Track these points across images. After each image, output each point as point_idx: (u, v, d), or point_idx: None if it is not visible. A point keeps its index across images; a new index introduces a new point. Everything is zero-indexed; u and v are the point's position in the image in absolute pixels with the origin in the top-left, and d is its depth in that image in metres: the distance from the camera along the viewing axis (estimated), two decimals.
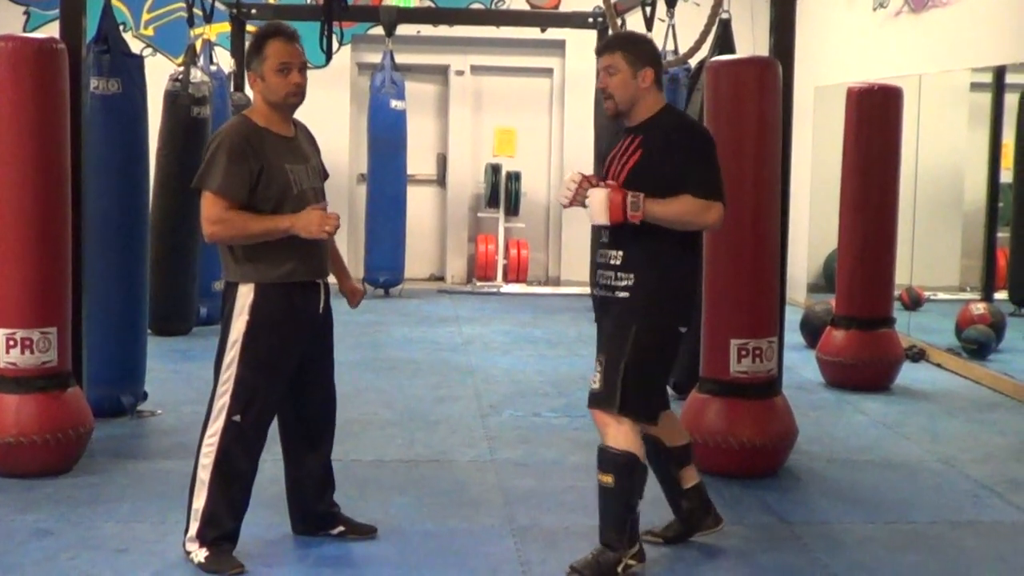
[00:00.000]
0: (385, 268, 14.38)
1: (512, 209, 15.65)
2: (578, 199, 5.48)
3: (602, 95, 5.60)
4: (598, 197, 5.36)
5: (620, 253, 5.46)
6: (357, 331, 11.89)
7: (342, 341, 10.88)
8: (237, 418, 5.41)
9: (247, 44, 5.73)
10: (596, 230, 5.62)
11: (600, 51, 5.68)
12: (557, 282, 15.99)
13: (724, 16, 8.35)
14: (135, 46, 14.55)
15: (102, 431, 7.51)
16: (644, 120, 5.52)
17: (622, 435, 5.38)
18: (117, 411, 8.08)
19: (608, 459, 5.39)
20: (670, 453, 5.79)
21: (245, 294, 5.43)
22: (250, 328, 5.41)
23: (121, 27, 14.66)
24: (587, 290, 13.66)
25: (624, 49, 5.54)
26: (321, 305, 5.62)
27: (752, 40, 11.09)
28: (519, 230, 15.79)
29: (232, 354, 5.42)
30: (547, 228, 16.29)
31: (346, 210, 15.36)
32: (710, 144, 5.54)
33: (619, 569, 5.40)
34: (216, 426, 5.43)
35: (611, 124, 12.78)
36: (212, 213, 5.35)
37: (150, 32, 15.17)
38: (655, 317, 5.40)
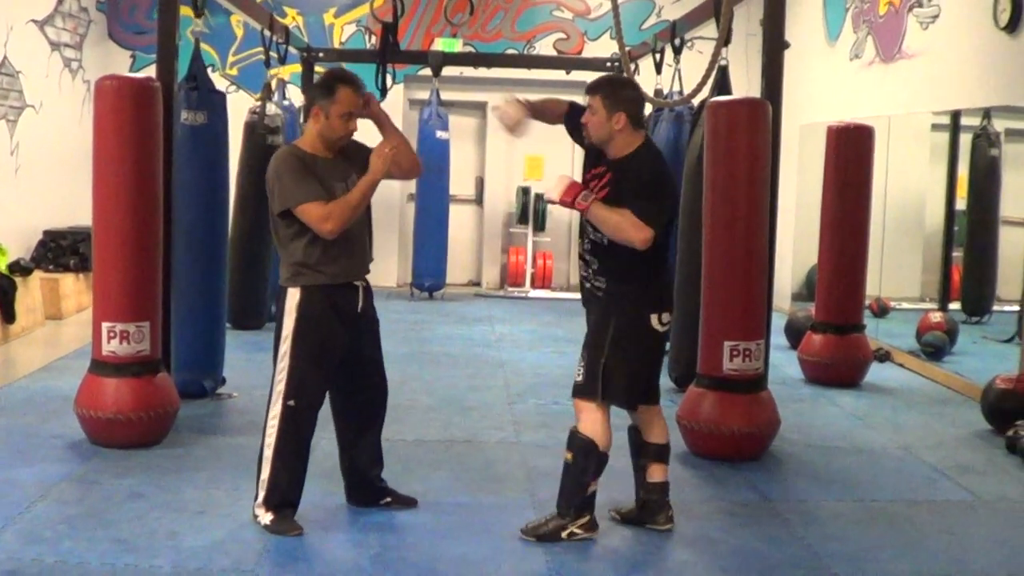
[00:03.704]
0: (429, 275, 14.36)
1: (539, 225, 15.63)
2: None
3: (583, 129, 5.54)
4: (562, 180, 5.37)
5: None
6: (405, 328, 11.91)
7: (392, 337, 10.99)
8: (292, 403, 5.42)
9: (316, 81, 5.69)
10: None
11: (586, 91, 5.58)
12: (578, 288, 15.88)
13: (722, 63, 8.29)
14: (221, 84, 14.69)
15: (187, 410, 7.52)
16: (618, 158, 5.45)
17: (589, 423, 5.43)
18: (200, 393, 8.11)
19: (571, 439, 5.48)
20: (643, 446, 5.73)
21: (292, 296, 5.43)
22: (298, 325, 5.41)
23: (209, 68, 14.77)
24: None
25: (604, 93, 5.44)
26: (360, 304, 5.56)
27: (747, 83, 11.11)
28: (545, 243, 15.76)
29: (285, 347, 5.42)
30: (569, 241, 16.21)
31: (397, 225, 15.49)
32: (663, 181, 5.48)
33: (563, 535, 5.45)
34: (275, 410, 5.45)
35: None
36: (316, 215, 5.30)
37: (234, 72, 15.19)
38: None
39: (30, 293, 11.04)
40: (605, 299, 5.47)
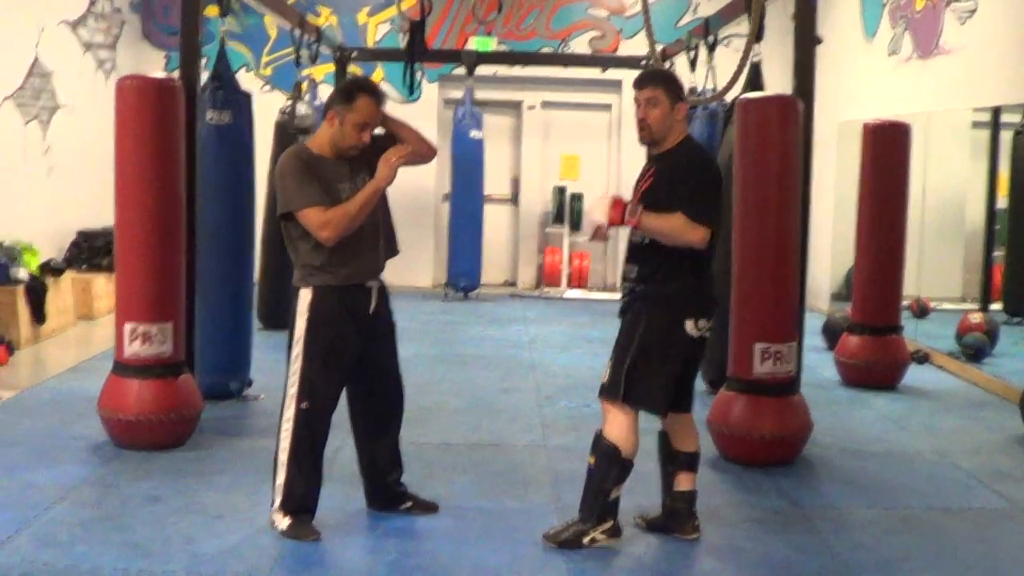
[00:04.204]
0: (464, 275, 14.28)
1: (575, 225, 15.50)
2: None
3: (639, 124, 5.37)
4: (601, 202, 5.22)
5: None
6: (437, 329, 11.83)
7: (424, 338, 10.98)
8: (305, 405, 5.34)
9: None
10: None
11: (642, 84, 5.37)
12: (614, 288, 15.75)
13: (755, 60, 8.14)
14: (255, 83, 14.70)
15: (212, 412, 7.47)
16: (666, 150, 5.35)
17: (615, 428, 5.31)
18: (226, 395, 8.04)
19: (596, 442, 5.37)
20: (673, 454, 5.59)
21: (304, 297, 5.36)
22: (310, 326, 5.33)
23: (243, 68, 14.86)
24: None
25: (667, 84, 5.34)
26: (372, 306, 5.45)
27: (784, 80, 10.93)
28: (581, 243, 15.63)
29: (297, 349, 5.36)
30: (605, 242, 16.08)
31: (432, 225, 15.42)
32: (709, 175, 5.33)
33: (584, 540, 5.33)
34: (289, 413, 5.37)
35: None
36: (316, 222, 5.22)
37: (268, 72, 15.16)
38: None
39: (61, 294, 11.03)
40: (639, 301, 5.34)
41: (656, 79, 5.41)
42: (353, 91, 5.35)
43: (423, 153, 5.60)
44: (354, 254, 5.35)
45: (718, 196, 5.32)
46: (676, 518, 5.58)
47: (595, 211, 5.23)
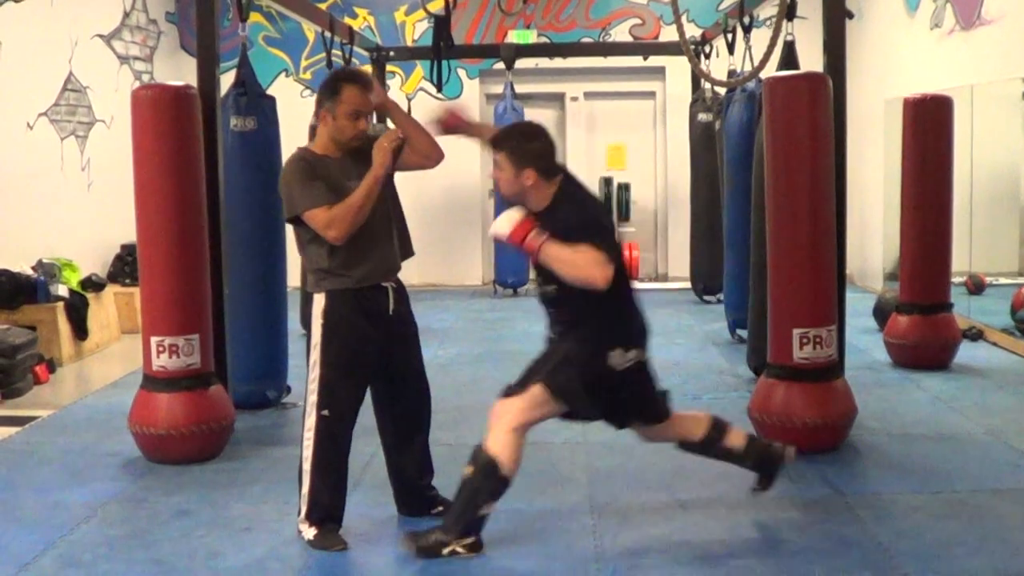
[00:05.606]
0: (513, 271, 14.15)
1: (624, 215, 15.34)
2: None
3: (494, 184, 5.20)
4: (511, 215, 4.90)
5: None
6: (483, 327, 11.73)
7: (470, 336, 10.91)
8: (326, 412, 5.22)
9: (326, 84, 5.46)
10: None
11: (491, 144, 5.08)
12: (665, 278, 15.65)
13: (789, 39, 7.95)
14: (295, 88, 14.69)
15: (248, 421, 7.42)
16: (540, 211, 4.97)
17: (499, 442, 5.10)
18: (263, 403, 7.97)
19: (476, 454, 5.12)
20: (704, 442, 5.48)
21: (319, 302, 5.25)
22: (325, 332, 5.22)
23: (284, 72, 14.85)
24: (689, 285, 13.30)
25: (508, 149, 4.99)
26: (390, 306, 5.34)
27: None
28: (630, 233, 15.43)
29: (314, 356, 5.24)
30: (655, 231, 15.95)
31: (479, 222, 15.32)
32: (600, 220, 5.07)
33: (444, 551, 5.10)
34: (310, 421, 5.26)
35: (703, 139, 12.48)
36: (321, 221, 5.12)
37: (308, 76, 15.14)
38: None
39: (104, 308, 11.04)
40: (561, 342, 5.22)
41: (499, 143, 5.05)
42: (336, 84, 5.29)
43: (424, 146, 5.47)
44: (367, 254, 5.25)
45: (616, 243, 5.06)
46: (765, 461, 5.58)
47: (501, 221, 4.92)
